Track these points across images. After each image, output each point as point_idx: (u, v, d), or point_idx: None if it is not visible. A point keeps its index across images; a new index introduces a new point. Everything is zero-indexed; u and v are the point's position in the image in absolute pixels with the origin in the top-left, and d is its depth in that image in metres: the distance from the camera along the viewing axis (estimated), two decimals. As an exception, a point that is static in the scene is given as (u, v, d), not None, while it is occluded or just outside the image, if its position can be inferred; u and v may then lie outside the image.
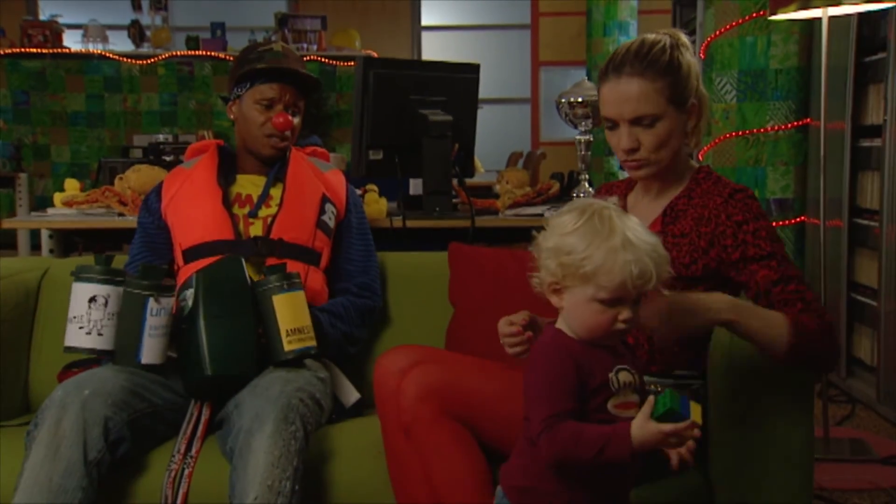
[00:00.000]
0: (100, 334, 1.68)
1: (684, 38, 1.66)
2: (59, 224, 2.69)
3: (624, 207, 1.75)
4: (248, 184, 2.07)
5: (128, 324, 1.69)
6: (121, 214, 2.64)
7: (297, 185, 2.04)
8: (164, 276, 1.79)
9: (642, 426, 1.23)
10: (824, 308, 1.57)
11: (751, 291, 1.58)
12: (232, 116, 2.11)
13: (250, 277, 1.78)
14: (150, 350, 1.69)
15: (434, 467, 1.52)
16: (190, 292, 1.72)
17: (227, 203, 2.00)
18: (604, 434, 1.25)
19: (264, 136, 2.05)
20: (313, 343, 1.74)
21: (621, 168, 6.35)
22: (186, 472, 1.63)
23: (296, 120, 2.08)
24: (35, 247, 4.96)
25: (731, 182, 1.65)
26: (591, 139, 2.98)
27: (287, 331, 1.71)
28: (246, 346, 1.71)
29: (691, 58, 1.65)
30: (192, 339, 1.69)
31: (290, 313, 1.72)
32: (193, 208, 2.00)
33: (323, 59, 6.97)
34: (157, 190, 2.09)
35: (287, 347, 1.71)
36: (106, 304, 1.69)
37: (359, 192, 2.33)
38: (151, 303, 1.67)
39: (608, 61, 1.65)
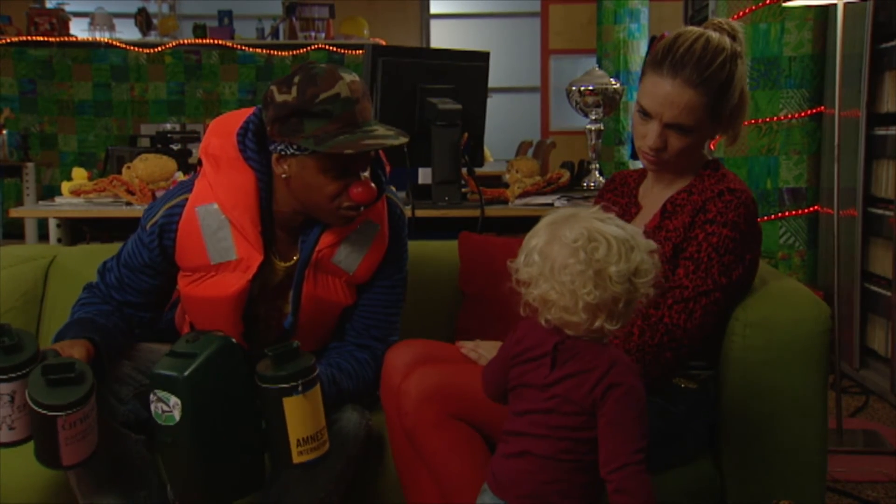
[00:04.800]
0: (11, 428, 1.43)
1: (741, 37, 1.62)
2: (67, 213, 2.69)
3: (635, 197, 1.74)
4: (281, 269, 1.68)
5: (39, 434, 1.42)
6: (128, 203, 2.63)
7: (314, 306, 1.67)
8: (79, 378, 1.42)
9: None
10: (670, 340, 1.55)
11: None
12: (283, 175, 1.59)
13: (251, 365, 1.46)
14: (73, 454, 1.43)
15: (440, 471, 1.51)
16: (175, 402, 1.39)
17: (253, 325, 1.69)
18: None
19: (337, 209, 1.59)
20: (326, 448, 1.45)
21: (632, 157, 6.34)
22: None
23: (368, 175, 1.61)
24: (43, 236, 4.97)
25: (736, 181, 1.63)
26: (602, 128, 2.95)
27: (298, 440, 1.41)
28: (247, 471, 1.46)
29: (742, 66, 1.61)
30: (177, 462, 1.43)
31: (305, 419, 1.41)
32: (210, 318, 1.65)
33: (331, 48, 6.95)
34: (171, 226, 1.64)
35: (296, 459, 1.42)
36: (12, 399, 1.42)
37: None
38: (61, 422, 1.38)
39: (668, 51, 1.59)
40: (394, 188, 1.79)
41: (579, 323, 1.27)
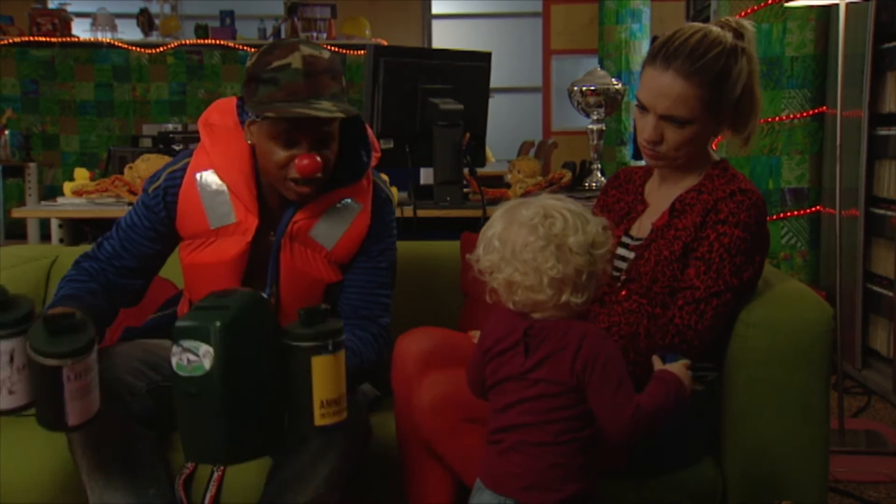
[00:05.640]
0: (11, 392, 1.40)
1: (749, 36, 1.61)
2: (69, 213, 2.69)
3: (641, 194, 1.74)
4: (272, 241, 1.69)
5: (43, 391, 1.39)
6: (130, 204, 2.63)
7: (293, 278, 1.69)
8: (81, 326, 1.42)
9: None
10: (681, 342, 1.56)
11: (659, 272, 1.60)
12: (248, 141, 1.64)
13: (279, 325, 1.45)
14: (79, 411, 1.40)
15: (465, 472, 1.51)
16: (206, 350, 1.35)
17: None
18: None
19: (286, 179, 1.61)
20: (345, 416, 1.43)
21: (634, 157, 6.35)
22: (215, 475, 1.62)
23: (328, 152, 1.61)
24: (45, 236, 4.98)
25: (746, 181, 1.63)
26: (604, 128, 2.95)
27: (322, 402, 1.39)
28: (274, 426, 1.43)
29: (746, 63, 1.60)
30: (199, 415, 1.38)
31: (330, 381, 1.39)
32: (212, 287, 1.60)
33: (332, 48, 6.96)
34: (174, 189, 1.68)
35: (318, 422, 1.40)
36: (11, 360, 1.39)
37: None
38: (66, 372, 1.36)
39: (664, 44, 1.60)
40: (386, 178, 1.80)
41: (546, 300, 1.30)
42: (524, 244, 1.30)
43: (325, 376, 1.38)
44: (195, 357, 1.35)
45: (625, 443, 1.34)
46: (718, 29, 1.60)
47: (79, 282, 1.67)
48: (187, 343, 1.36)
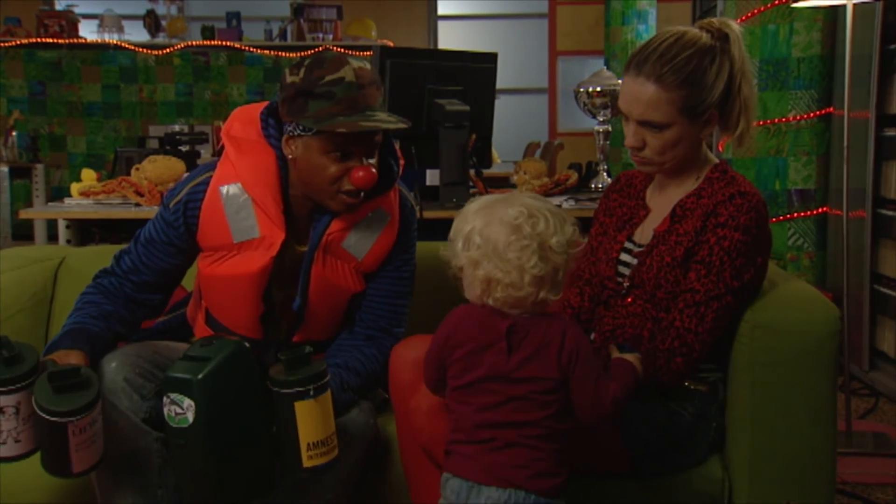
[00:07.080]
0: (17, 441, 1.42)
1: (734, 35, 1.59)
2: (76, 214, 2.70)
3: (643, 199, 1.74)
4: (299, 252, 1.69)
5: (48, 442, 1.42)
6: (137, 205, 2.64)
7: (322, 288, 1.69)
8: (86, 382, 1.44)
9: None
10: (681, 344, 1.56)
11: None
12: (289, 155, 1.61)
13: (264, 367, 1.49)
14: (84, 460, 1.43)
15: None
16: (189, 404, 1.41)
17: (268, 311, 1.70)
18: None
19: (337, 192, 1.60)
20: (335, 454, 1.46)
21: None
22: None
23: (375, 163, 1.61)
24: (52, 237, 5.00)
25: (745, 184, 1.62)
26: (610, 129, 2.95)
27: (309, 444, 1.43)
28: (257, 475, 1.47)
29: (727, 64, 1.58)
30: (189, 464, 1.45)
31: (315, 423, 1.43)
32: (230, 298, 1.69)
33: (339, 49, 6.97)
34: (195, 203, 1.65)
35: (306, 463, 1.44)
36: (17, 411, 1.42)
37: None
38: (72, 427, 1.39)
39: (638, 50, 1.61)
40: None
41: (526, 297, 1.35)
42: (507, 243, 1.34)
43: (309, 420, 1.42)
44: (181, 410, 1.41)
45: (596, 426, 1.43)
46: (696, 30, 1.60)
47: (93, 304, 1.66)
48: (173, 395, 1.42)
